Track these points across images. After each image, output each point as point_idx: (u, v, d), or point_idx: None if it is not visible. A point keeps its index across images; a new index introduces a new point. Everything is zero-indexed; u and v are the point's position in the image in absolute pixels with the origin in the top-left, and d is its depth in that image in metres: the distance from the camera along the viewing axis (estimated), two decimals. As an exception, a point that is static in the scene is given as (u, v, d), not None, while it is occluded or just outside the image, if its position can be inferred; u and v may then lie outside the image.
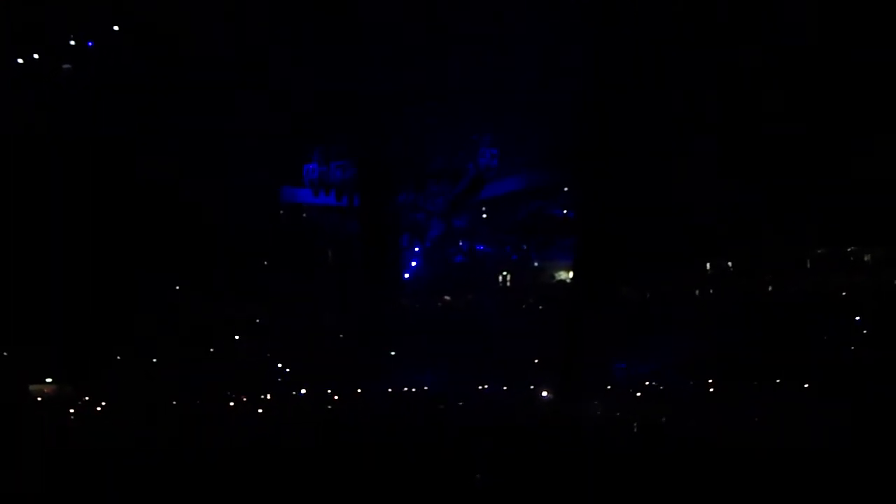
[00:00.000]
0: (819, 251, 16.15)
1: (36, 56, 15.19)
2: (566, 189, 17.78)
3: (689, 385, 14.88)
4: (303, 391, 15.27)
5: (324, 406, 14.90)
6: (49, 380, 15.22)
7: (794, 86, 14.91)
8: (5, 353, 15.47)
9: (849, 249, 16.25)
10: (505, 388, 15.44)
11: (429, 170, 17.92)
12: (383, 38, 15.85)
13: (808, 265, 16.16)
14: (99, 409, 14.44)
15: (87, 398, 14.70)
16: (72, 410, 14.39)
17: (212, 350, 16.22)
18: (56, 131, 15.38)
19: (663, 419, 13.57)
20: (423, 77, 16.17)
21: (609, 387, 14.94)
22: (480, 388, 15.48)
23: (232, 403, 14.66)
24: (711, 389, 14.65)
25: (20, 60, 15.21)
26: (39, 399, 14.90)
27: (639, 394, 14.71)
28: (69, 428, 13.99)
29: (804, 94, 14.83)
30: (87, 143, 15.43)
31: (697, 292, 16.66)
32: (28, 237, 15.29)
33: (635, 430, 13.41)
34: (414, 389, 15.44)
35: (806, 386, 13.78)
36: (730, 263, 16.64)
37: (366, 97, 16.35)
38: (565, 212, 17.90)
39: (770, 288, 16.00)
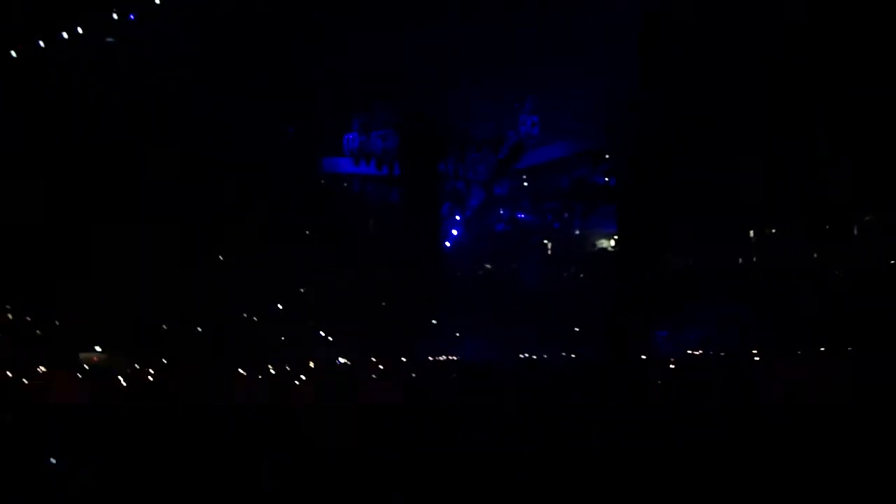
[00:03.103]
0: (867, 218, 15.84)
1: (80, 30, 15.27)
2: (608, 156, 17.63)
3: (733, 354, 14.76)
4: (345, 360, 15.38)
5: (366, 375, 14.99)
6: (98, 349, 15.48)
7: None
8: (57, 323, 15.76)
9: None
10: (547, 356, 15.42)
11: (469, 138, 17.86)
12: (422, 5, 15.73)
13: (856, 232, 15.86)
14: (150, 377, 14.66)
15: (136, 366, 14.92)
16: (121, 378, 14.61)
17: (254, 320, 16.37)
18: (99, 105, 15.52)
19: (708, 388, 13.48)
20: (463, 44, 16.08)
21: (652, 355, 14.87)
22: (522, 356, 15.48)
23: (274, 372, 14.80)
24: (756, 358, 14.49)
25: (65, 35, 15.29)
26: (88, 367, 15.15)
27: (679, 363, 14.60)
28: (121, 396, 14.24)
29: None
30: (130, 113, 15.58)
31: (741, 259, 16.47)
32: (76, 208, 15.53)
33: (680, 399, 13.35)
34: (456, 358, 15.48)
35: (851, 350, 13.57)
36: (774, 230, 16.41)
37: (406, 65, 16.32)
38: (607, 179, 17.77)
39: (815, 255, 15.76)
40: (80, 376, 14.44)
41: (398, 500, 9.62)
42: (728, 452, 10.42)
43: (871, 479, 9.35)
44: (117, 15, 15.16)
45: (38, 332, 15.55)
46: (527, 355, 15.24)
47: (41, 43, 14.98)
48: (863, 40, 14.22)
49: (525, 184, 18.43)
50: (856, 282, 14.61)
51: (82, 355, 15.47)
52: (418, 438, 11.35)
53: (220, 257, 16.88)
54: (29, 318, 15.59)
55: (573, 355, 15.13)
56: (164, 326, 15.64)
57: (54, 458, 10.80)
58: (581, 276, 17.35)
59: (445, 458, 10.48)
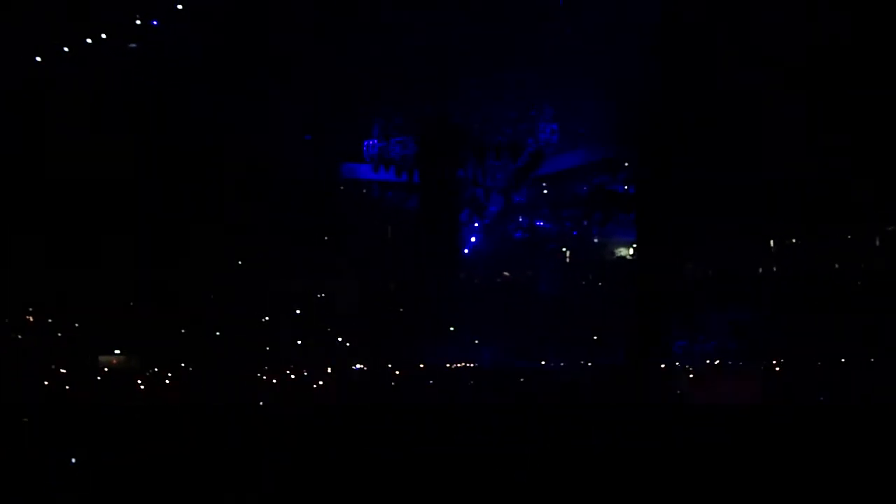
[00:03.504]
0: (890, 228, 15.60)
1: (104, 36, 15.51)
2: (627, 164, 17.55)
3: (750, 362, 14.61)
4: (363, 366, 15.40)
5: (384, 381, 15.00)
6: (117, 351, 15.66)
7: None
8: (77, 325, 15.96)
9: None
10: (563, 363, 15.36)
11: (489, 145, 17.88)
12: (443, 13, 15.79)
13: (878, 243, 15.64)
14: (167, 380, 14.78)
15: (155, 369, 15.05)
16: (139, 381, 14.75)
17: (274, 324, 16.47)
18: (123, 109, 15.75)
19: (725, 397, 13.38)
20: (482, 52, 16.11)
21: (670, 364, 14.77)
22: (540, 363, 15.43)
23: (293, 376, 14.86)
24: (777, 368, 14.32)
25: (89, 41, 15.53)
26: (107, 370, 15.32)
27: (699, 371, 14.49)
28: (137, 397, 14.38)
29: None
30: (152, 118, 15.78)
31: (761, 269, 16.30)
32: (97, 213, 15.74)
33: (698, 407, 13.27)
34: (474, 364, 15.46)
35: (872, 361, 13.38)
36: (794, 240, 16.22)
37: (425, 73, 16.39)
38: (626, 187, 17.69)
39: (836, 265, 15.55)
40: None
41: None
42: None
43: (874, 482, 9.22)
44: (140, 20, 15.39)
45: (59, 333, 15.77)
46: (543, 362, 15.24)
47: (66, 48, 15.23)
48: None
49: (544, 191, 18.41)
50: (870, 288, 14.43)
51: (102, 358, 15.68)
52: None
53: (240, 262, 17.03)
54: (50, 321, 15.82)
55: (589, 363, 15.11)
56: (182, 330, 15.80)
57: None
58: (599, 283, 17.28)
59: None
